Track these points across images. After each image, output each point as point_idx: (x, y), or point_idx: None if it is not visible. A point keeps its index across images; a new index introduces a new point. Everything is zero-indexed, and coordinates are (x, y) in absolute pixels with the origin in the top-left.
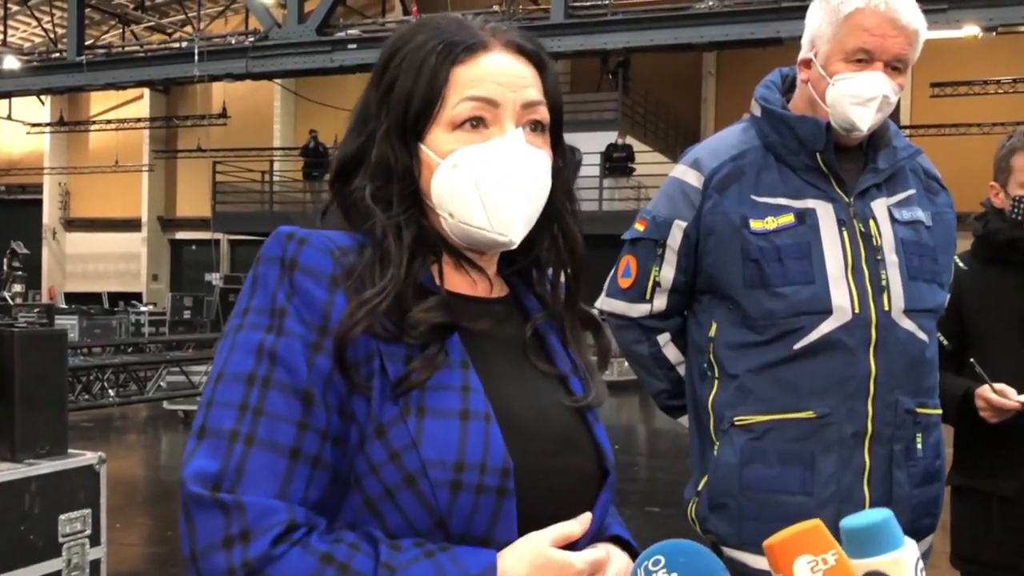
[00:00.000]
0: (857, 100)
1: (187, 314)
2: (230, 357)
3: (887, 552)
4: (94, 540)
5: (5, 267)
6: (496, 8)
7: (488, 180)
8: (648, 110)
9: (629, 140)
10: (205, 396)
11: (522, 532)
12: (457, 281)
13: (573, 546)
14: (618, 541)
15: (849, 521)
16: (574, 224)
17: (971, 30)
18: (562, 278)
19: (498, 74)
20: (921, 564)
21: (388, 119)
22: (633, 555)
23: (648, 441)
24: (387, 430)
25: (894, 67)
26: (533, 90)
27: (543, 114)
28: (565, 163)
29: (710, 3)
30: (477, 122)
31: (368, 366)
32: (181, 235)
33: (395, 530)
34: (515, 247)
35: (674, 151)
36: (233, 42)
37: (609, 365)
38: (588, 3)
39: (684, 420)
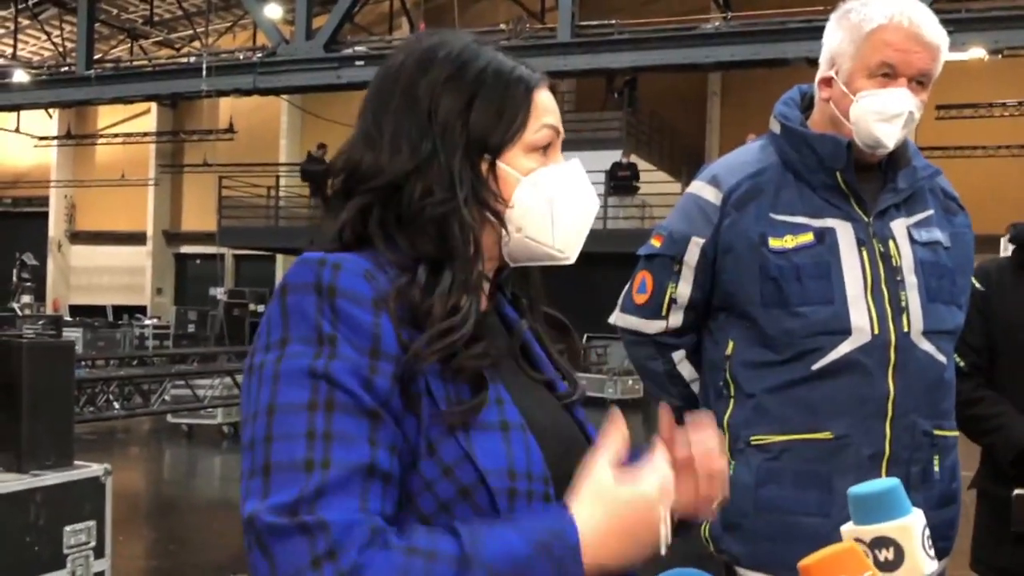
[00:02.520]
0: (882, 117)
1: (191, 328)
2: (279, 389)
3: (895, 519)
4: (98, 552)
5: (14, 278)
6: (503, 27)
7: (562, 200)
8: (653, 129)
9: (634, 159)
10: (258, 432)
11: None
12: None
13: None
14: None
15: (858, 488)
16: None
17: (977, 53)
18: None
19: (555, 108)
20: (928, 533)
21: (467, 136)
22: None
23: None
24: (436, 447)
25: (918, 82)
26: None
27: None
28: None
29: (717, 23)
30: (547, 148)
31: (416, 387)
32: (186, 249)
33: None
34: (571, 263)
35: (679, 170)
36: (241, 58)
37: (580, 365)
38: (595, 22)
39: None
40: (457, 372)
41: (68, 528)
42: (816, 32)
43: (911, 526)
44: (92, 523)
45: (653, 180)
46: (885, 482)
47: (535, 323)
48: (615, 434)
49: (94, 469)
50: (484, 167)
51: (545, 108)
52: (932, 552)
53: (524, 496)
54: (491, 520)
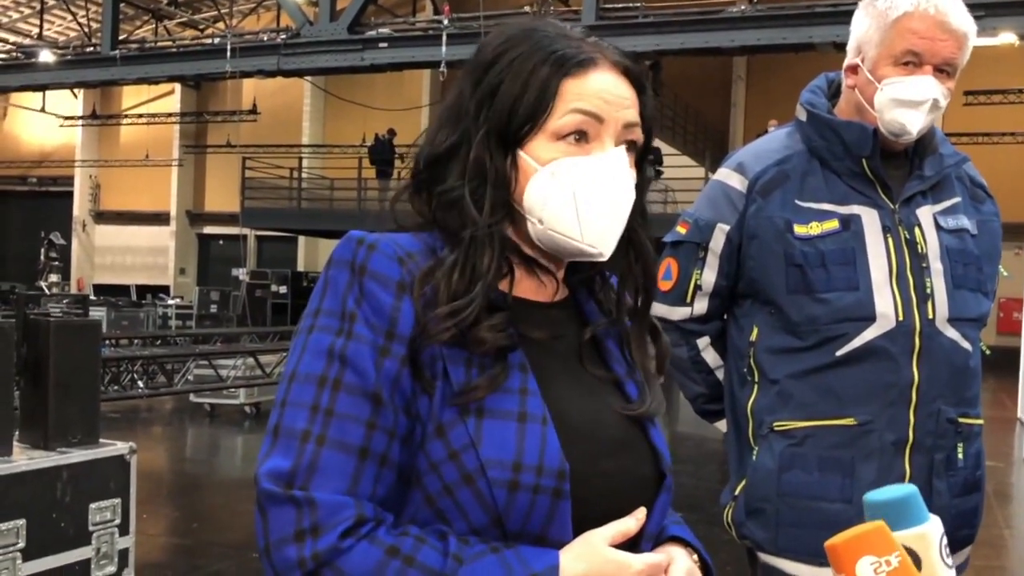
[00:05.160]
0: (907, 104)
1: (214, 308)
2: (302, 358)
3: (912, 527)
4: (123, 529)
5: (42, 257)
6: (528, 9)
7: (585, 192)
8: (677, 114)
9: (657, 143)
10: (279, 394)
11: (577, 532)
12: (525, 285)
13: (634, 546)
14: (678, 542)
15: (874, 495)
16: (646, 240)
17: (1008, 38)
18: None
19: (604, 91)
20: (945, 541)
21: (489, 123)
22: (695, 553)
23: (672, 446)
24: (447, 430)
25: (944, 71)
26: (633, 111)
27: (638, 135)
28: (643, 182)
29: (742, 7)
30: (580, 136)
31: (432, 368)
32: (209, 229)
33: (454, 526)
34: (605, 259)
35: (703, 155)
36: (265, 39)
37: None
38: (619, 5)
39: (720, 425)
40: (477, 345)
41: (93, 505)
42: (843, 16)
43: (929, 534)
44: (117, 500)
45: (676, 165)
46: (902, 488)
47: (628, 322)
48: (629, 520)
49: (119, 447)
50: (506, 156)
51: (580, 93)
52: (950, 560)
53: (528, 489)
54: (486, 544)
